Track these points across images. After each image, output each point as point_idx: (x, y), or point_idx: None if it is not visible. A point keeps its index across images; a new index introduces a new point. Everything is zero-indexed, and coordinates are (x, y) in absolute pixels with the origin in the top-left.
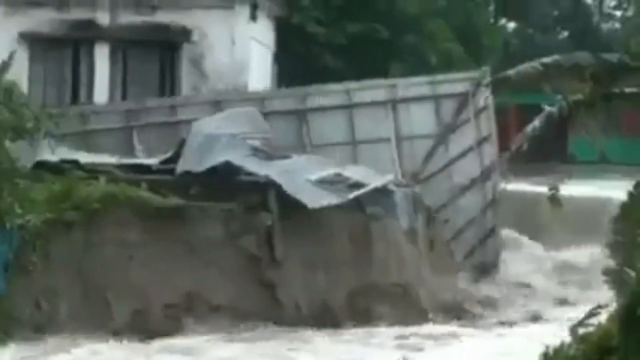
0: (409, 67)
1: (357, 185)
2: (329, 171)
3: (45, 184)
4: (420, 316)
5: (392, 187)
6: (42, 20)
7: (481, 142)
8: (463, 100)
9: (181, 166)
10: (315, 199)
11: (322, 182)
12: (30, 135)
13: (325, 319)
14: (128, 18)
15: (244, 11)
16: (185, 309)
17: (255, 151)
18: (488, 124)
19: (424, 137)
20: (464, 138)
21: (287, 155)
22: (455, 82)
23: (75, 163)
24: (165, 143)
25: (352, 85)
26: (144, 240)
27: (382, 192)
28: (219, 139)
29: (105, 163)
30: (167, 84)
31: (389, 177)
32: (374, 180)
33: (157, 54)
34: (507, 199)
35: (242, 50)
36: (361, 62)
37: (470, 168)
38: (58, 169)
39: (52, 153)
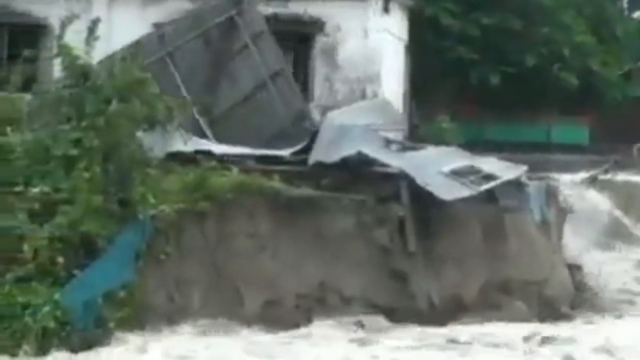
0: (542, 59)
1: (490, 177)
2: (462, 163)
3: (178, 174)
4: (554, 312)
5: (525, 179)
6: (176, 11)
7: (274, 76)
8: (229, 24)
9: (313, 157)
10: (448, 191)
11: (455, 174)
12: (163, 126)
13: (457, 312)
14: (261, 9)
15: (377, 3)
16: (317, 300)
17: (388, 142)
18: (275, 54)
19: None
20: (249, 68)
21: (420, 146)
22: (217, 7)
23: (207, 153)
24: None
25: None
26: (275, 231)
27: (515, 185)
28: (351, 130)
29: (238, 154)
30: (300, 74)
31: (522, 169)
32: (507, 173)
33: (290, 45)
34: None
35: (375, 42)
36: (495, 54)
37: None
38: (190, 159)
39: (185, 144)
